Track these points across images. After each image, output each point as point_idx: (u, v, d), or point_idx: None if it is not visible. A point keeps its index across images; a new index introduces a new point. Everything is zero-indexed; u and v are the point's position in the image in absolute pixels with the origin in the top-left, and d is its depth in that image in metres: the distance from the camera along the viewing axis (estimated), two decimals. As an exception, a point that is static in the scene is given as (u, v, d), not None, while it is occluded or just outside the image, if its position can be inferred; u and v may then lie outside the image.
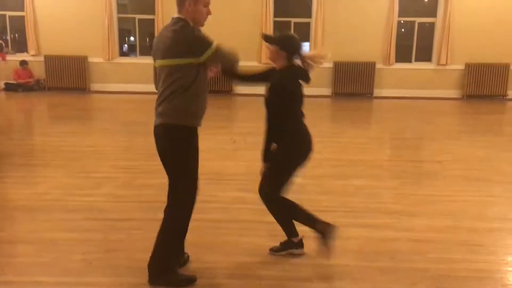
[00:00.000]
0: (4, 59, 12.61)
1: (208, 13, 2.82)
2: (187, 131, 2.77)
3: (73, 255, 3.25)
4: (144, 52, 12.98)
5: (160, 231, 2.87)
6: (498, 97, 12.23)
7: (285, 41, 3.12)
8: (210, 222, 3.82)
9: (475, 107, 11.04)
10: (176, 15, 2.76)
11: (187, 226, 2.93)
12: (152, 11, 12.28)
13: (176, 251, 2.98)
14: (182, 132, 2.75)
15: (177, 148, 2.76)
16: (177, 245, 2.97)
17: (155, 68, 2.84)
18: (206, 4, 2.79)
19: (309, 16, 12.32)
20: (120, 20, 12.73)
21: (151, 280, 2.88)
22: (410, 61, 12.56)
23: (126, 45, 14.16)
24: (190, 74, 2.69)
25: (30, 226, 3.75)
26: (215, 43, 2.69)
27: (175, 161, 2.78)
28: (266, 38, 3.16)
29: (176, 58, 2.66)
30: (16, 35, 13.20)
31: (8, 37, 12.97)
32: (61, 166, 5.47)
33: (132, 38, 14.11)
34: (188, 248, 3.15)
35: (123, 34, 13.62)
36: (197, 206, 3.36)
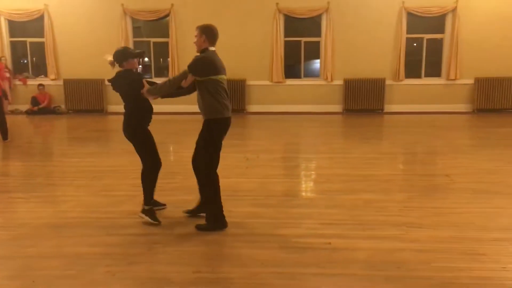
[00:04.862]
0: (25, 83, 13.15)
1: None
2: None
3: (97, 268, 3.48)
4: (159, 73, 13.35)
5: None
6: (509, 110, 12.32)
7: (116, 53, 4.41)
8: (226, 236, 4.05)
9: (485, 121, 11.15)
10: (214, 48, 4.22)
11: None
12: (166, 34, 12.70)
13: None
14: None
15: None
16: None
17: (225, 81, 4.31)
18: None
19: (319, 35, 12.61)
20: (135, 43, 13.14)
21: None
22: (419, 77, 12.73)
23: (140, 66, 14.56)
24: None
25: (57, 241, 4.00)
26: None
27: None
28: None
29: None
30: (34, 59, 13.68)
31: (29, 62, 13.48)
32: (82, 185, 5.75)
33: (146, 59, 14.50)
34: (206, 260, 3.36)
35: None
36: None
